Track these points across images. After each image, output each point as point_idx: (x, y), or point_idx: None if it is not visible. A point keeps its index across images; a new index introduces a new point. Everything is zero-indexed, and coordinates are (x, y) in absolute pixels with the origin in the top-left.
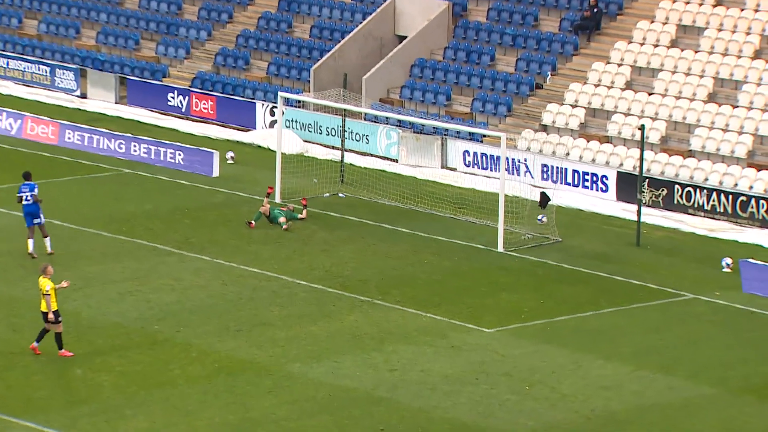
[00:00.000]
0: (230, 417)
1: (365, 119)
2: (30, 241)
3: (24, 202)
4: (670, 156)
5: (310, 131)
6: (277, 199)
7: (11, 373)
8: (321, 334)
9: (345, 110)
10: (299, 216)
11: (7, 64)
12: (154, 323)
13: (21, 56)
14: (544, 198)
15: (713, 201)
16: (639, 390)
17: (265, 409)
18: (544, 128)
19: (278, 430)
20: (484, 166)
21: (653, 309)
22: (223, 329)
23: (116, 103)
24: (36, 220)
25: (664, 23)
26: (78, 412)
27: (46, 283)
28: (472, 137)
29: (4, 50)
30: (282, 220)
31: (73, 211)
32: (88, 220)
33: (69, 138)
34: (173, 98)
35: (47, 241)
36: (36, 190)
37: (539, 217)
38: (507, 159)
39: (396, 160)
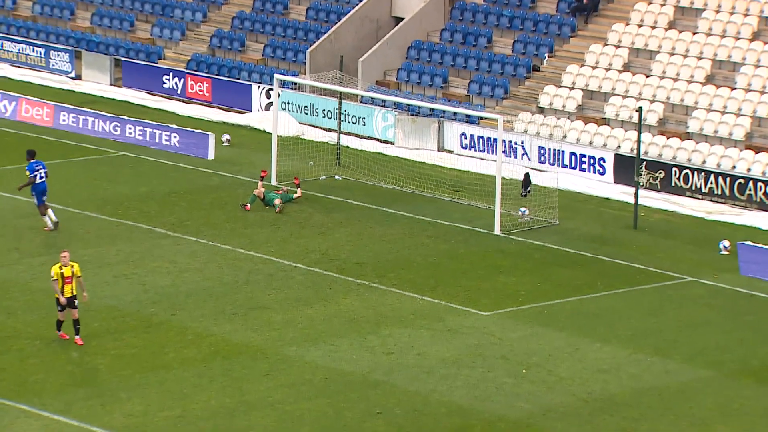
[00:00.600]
0: (226, 400)
1: (361, 102)
2: (46, 218)
3: (39, 180)
4: (668, 138)
5: (306, 114)
6: (273, 182)
7: (6, 356)
8: (317, 317)
9: (341, 92)
10: (294, 195)
11: (2, 45)
12: (149, 306)
13: (15, 38)
14: (527, 179)
15: (711, 183)
16: (636, 373)
17: (261, 392)
18: (541, 110)
19: (274, 413)
20: (481, 148)
21: (650, 292)
22: (219, 312)
23: (111, 85)
24: (45, 198)
25: (662, 5)
26: (73, 396)
27: (51, 269)
28: (468, 120)
29: None
30: (277, 201)
31: (67, 194)
32: (83, 203)
33: (64, 120)
34: (168, 80)
35: (51, 212)
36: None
37: (522, 211)
38: (504, 141)
39: (392, 143)
